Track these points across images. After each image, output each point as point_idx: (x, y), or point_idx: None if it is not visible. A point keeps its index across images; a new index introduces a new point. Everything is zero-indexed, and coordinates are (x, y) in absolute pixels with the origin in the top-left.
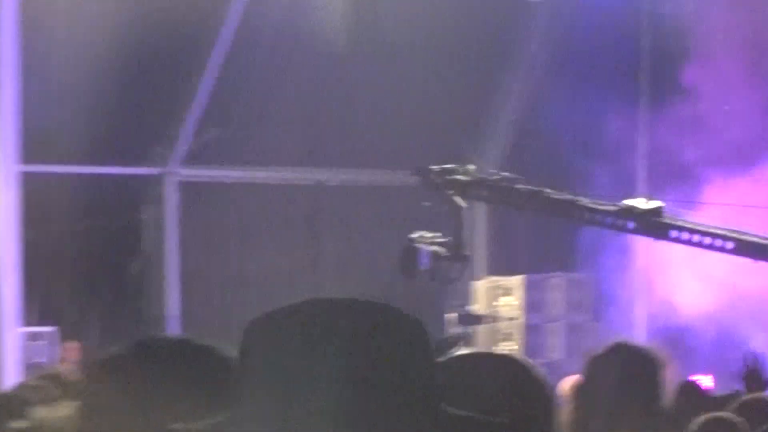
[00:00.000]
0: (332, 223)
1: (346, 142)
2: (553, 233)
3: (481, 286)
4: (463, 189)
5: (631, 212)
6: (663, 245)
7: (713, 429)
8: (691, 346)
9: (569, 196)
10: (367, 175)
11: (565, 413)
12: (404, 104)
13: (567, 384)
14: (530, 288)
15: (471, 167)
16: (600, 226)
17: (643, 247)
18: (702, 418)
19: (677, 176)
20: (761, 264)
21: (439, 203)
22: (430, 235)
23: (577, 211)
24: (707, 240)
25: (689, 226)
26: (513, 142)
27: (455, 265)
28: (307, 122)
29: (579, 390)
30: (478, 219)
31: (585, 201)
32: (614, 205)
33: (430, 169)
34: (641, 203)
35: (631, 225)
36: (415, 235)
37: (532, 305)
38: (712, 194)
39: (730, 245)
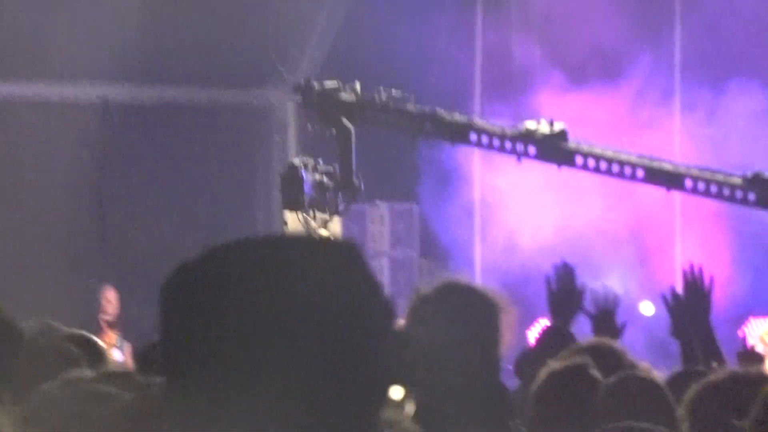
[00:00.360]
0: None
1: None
2: (375, 156)
3: (292, 217)
4: (349, 110)
5: (533, 136)
6: (505, 176)
7: (565, 376)
8: (533, 288)
9: (465, 119)
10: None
11: None
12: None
13: None
14: (348, 219)
15: (357, 86)
16: (499, 151)
17: (481, 176)
18: (556, 364)
19: (514, 84)
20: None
21: (323, 126)
22: (311, 161)
23: (474, 135)
24: (616, 167)
25: (597, 152)
26: (335, 50)
27: (344, 194)
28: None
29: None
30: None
31: (482, 124)
32: (514, 128)
33: (312, 86)
34: (543, 126)
35: (532, 150)
36: (296, 160)
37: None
38: (550, 104)
39: (640, 173)
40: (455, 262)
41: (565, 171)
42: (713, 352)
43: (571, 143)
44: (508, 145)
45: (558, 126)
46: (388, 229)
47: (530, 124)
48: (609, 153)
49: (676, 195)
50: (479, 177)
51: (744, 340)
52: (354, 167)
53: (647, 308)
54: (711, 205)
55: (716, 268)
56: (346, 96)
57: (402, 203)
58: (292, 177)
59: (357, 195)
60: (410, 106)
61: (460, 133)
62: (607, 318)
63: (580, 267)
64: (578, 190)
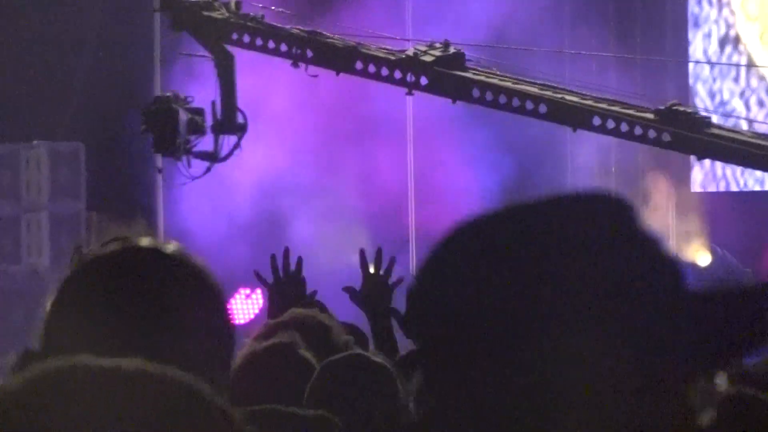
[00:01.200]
0: None
1: None
2: (30, 85)
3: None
4: (221, 32)
5: (421, 64)
6: None
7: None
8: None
9: (351, 43)
10: None
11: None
12: None
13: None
14: None
15: (231, 2)
16: (387, 81)
17: None
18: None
19: None
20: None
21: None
22: (180, 95)
23: (361, 62)
24: (516, 101)
25: (495, 81)
26: None
27: (228, 135)
28: None
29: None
30: None
31: (370, 49)
32: (400, 52)
33: (181, 1)
34: (436, 50)
35: (423, 80)
36: (168, 94)
37: None
38: None
39: (543, 109)
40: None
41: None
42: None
43: (468, 71)
44: (397, 74)
45: (452, 49)
46: (46, 175)
47: (419, 47)
48: (509, 82)
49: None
50: None
51: None
52: (237, 102)
53: None
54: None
55: None
56: (217, 14)
57: (66, 143)
58: (164, 113)
59: (242, 135)
60: (293, 28)
61: (344, 60)
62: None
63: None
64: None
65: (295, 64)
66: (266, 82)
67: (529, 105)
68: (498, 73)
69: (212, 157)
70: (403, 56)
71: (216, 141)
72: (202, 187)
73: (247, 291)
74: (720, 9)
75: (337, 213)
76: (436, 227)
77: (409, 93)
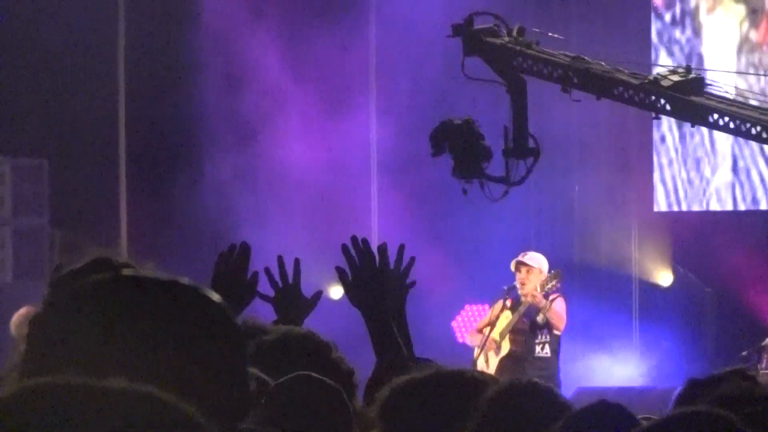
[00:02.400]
0: None
1: None
2: None
3: None
4: (503, 58)
5: (660, 88)
6: None
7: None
8: None
9: (608, 68)
10: None
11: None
12: None
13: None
14: None
15: (513, 26)
16: (640, 106)
17: None
18: None
19: None
20: None
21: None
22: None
23: (617, 88)
24: (751, 128)
25: (723, 107)
26: None
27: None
28: None
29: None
30: None
31: (624, 74)
32: (645, 77)
33: (468, 28)
34: (677, 74)
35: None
36: (466, 118)
37: None
38: None
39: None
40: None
41: None
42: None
43: (702, 97)
44: (642, 97)
45: (692, 74)
46: (10, 190)
47: (661, 71)
48: (734, 108)
49: None
50: None
51: (455, 332)
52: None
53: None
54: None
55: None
56: (500, 40)
57: (29, 159)
58: (468, 137)
59: (536, 159)
60: (558, 55)
61: (603, 86)
62: (289, 296)
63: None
64: None
65: (564, 90)
66: None
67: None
68: (729, 96)
69: (505, 181)
70: (646, 81)
71: (507, 165)
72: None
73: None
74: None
75: None
76: None
77: (656, 117)
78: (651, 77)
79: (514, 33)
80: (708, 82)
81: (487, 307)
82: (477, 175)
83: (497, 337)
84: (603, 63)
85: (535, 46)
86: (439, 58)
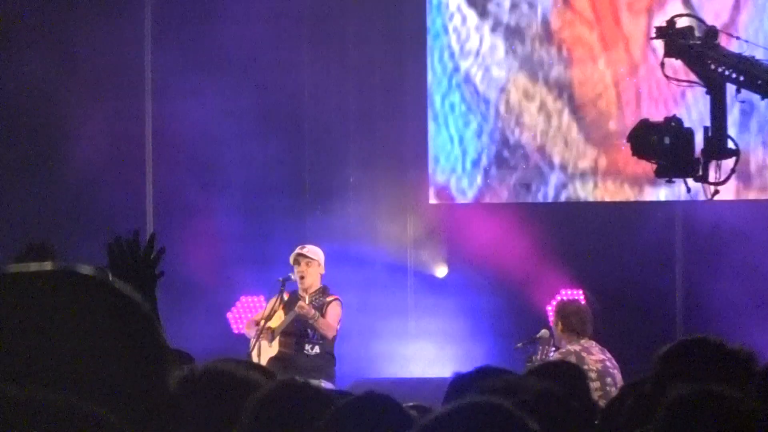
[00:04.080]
0: None
1: None
2: None
3: None
4: (695, 59)
5: None
6: None
7: None
8: None
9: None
10: None
11: None
12: None
13: None
14: None
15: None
16: None
17: None
18: None
19: None
20: None
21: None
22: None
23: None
24: None
25: None
26: None
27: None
28: None
29: None
30: None
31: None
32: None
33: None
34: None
35: None
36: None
37: None
38: None
39: None
40: None
41: None
42: None
43: None
44: None
45: None
46: None
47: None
48: None
49: None
50: None
51: (230, 323)
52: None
53: None
54: None
55: None
56: (692, 41)
57: None
58: (682, 137)
59: (737, 160)
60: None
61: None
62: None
63: None
64: None
65: (738, 90)
66: None
67: None
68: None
69: (702, 180)
70: None
71: (706, 165)
72: None
73: (250, 299)
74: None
75: None
76: None
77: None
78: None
79: (707, 35)
80: None
81: (263, 298)
82: (685, 175)
83: (273, 326)
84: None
85: (722, 48)
86: None
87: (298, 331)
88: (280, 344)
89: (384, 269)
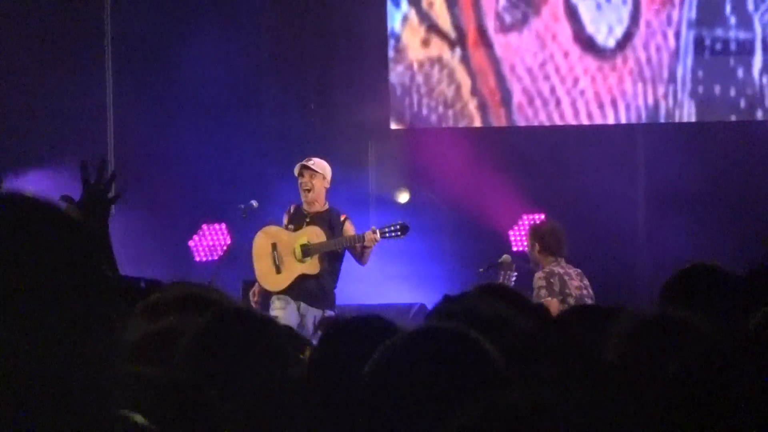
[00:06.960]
0: None
1: None
2: None
3: None
4: None
5: None
6: None
7: None
8: None
9: None
10: None
11: None
12: None
13: None
14: None
15: None
16: None
17: None
18: None
19: None
20: None
21: None
22: None
23: None
24: None
25: None
26: None
27: None
28: None
29: None
30: None
31: None
32: None
33: None
34: None
35: None
36: None
37: None
38: None
39: None
40: None
41: None
42: None
43: None
44: None
45: None
46: None
47: None
48: None
49: None
50: None
51: (192, 251)
52: None
53: None
54: None
55: None
56: None
57: None
58: None
59: None
60: None
61: None
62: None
63: None
64: None
65: None
66: None
67: None
68: None
69: None
70: None
71: None
72: None
73: (214, 226)
74: None
75: None
76: None
77: None
78: None
79: None
80: None
81: (224, 225)
82: None
83: (307, 242)
84: None
85: None
86: None
87: (334, 255)
88: (313, 265)
89: (344, 194)
